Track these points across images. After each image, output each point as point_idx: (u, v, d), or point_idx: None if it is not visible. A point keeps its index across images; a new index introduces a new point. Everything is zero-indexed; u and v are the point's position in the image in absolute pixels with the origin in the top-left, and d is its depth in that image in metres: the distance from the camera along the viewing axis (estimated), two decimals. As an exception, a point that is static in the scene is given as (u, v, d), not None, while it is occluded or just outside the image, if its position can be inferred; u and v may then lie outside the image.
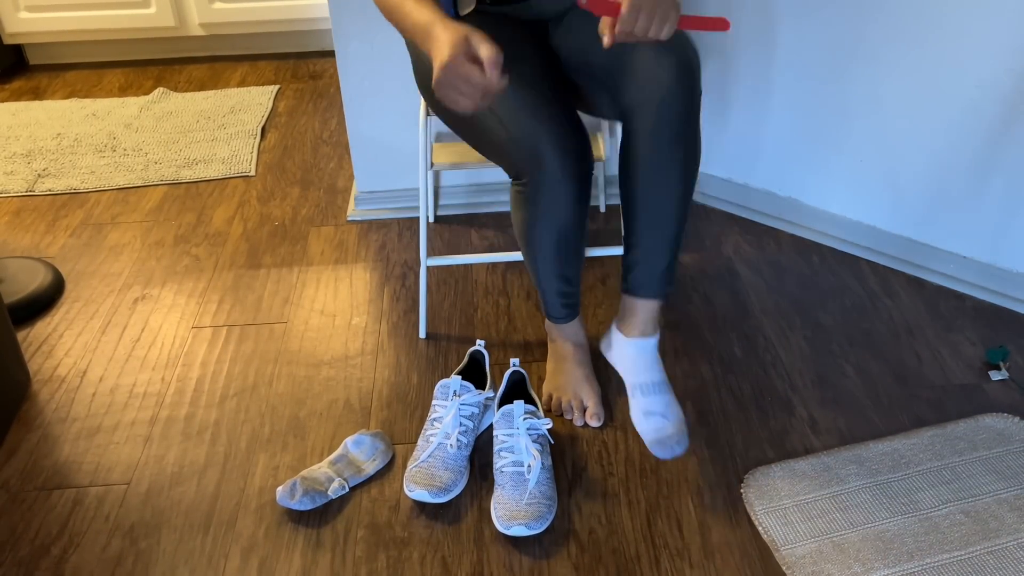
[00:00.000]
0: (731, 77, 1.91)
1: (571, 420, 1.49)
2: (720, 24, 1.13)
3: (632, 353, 1.38)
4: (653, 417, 1.35)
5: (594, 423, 1.47)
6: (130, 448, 1.47)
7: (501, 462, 1.34)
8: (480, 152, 1.35)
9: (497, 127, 1.26)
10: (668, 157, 1.26)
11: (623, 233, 1.37)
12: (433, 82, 1.10)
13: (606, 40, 1.10)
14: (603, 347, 1.45)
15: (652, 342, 1.38)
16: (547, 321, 1.56)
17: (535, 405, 1.44)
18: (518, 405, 1.36)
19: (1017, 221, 1.65)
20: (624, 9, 1.07)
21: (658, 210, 1.30)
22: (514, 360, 1.46)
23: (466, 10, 1.34)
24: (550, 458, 1.38)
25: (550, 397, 1.51)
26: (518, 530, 1.26)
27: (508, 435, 1.35)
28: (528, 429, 1.35)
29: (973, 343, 1.64)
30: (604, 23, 1.10)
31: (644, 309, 1.37)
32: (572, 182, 1.26)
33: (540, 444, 1.36)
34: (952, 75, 1.61)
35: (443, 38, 1.09)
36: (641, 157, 1.27)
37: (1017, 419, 1.45)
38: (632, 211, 1.32)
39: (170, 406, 1.55)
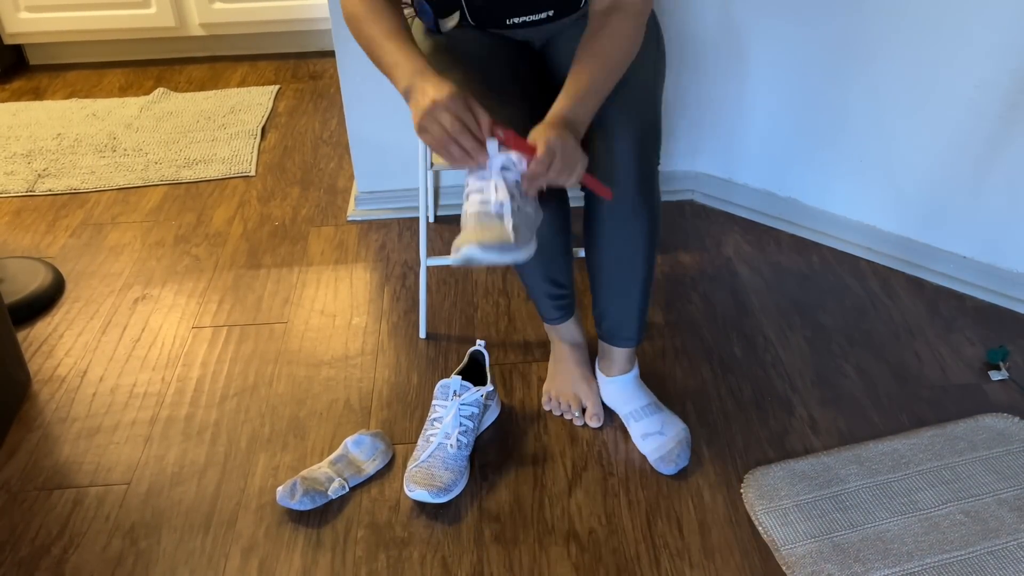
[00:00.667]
0: (731, 77, 1.91)
1: (571, 420, 1.49)
2: (605, 192, 1.18)
3: (616, 390, 1.47)
4: (651, 437, 1.41)
5: (594, 423, 1.47)
6: (130, 448, 1.47)
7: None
8: None
9: None
10: (628, 227, 1.29)
11: (590, 285, 1.42)
12: (422, 116, 1.05)
13: (524, 183, 1.11)
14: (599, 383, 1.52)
15: (631, 376, 1.47)
16: (544, 323, 1.56)
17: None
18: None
19: (1017, 221, 1.65)
20: (539, 153, 1.07)
21: (622, 279, 1.36)
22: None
23: (448, 27, 1.33)
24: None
25: (550, 397, 1.51)
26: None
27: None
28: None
29: (973, 343, 1.64)
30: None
31: (620, 354, 1.45)
32: (544, 199, 1.26)
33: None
34: (952, 75, 1.61)
35: (439, 83, 1.07)
36: (601, 225, 1.30)
37: (1017, 419, 1.45)
38: (596, 277, 1.38)
39: (170, 406, 1.55)
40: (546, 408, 1.51)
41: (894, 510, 1.30)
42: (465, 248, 1.06)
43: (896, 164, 1.76)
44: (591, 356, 1.55)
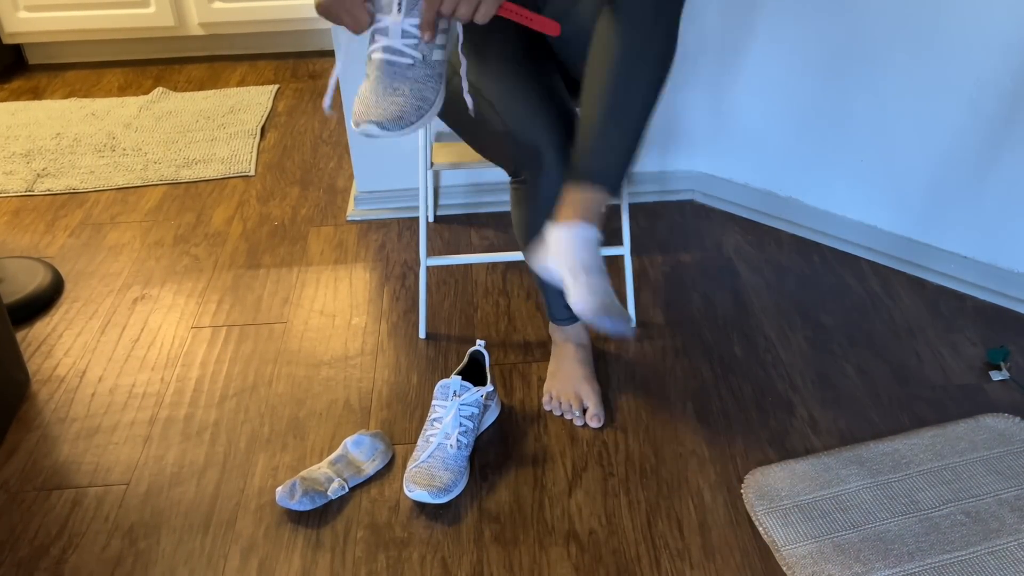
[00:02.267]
0: (732, 76, 1.91)
1: (571, 420, 1.48)
2: (550, 27, 1.08)
3: (568, 236, 1.18)
4: (597, 295, 1.16)
5: (594, 424, 1.47)
6: (129, 448, 1.47)
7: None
8: (478, 150, 1.35)
9: (496, 124, 1.25)
10: (642, 44, 1.14)
11: (579, 118, 1.22)
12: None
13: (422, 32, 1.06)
14: (531, 260, 1.26)
15: (592, 230, 1.19)
16: (550, 323, 1.56)
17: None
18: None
19: (1017, 221, 1.65)
20: None
21: (620, 107, 1.17)
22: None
23: None
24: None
25: (551, 397, 1.51)
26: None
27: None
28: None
29: (974, 343, 1.64)
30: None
31: (589, 199, 1.20)
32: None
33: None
34: (952, 75, 1.61)
35: None
36: (613, 42, 1.15)
37: (1018, 419, 1.45)
38: (591, 104, 1.19)
39: (169, 406, 1.55)
40: (546, 408, 1.51)
41: (895, 510, 1.30)
42: (364, 125, 1.06)
43: (897, 164, 1.76)
44: (595, 357, 1.55)
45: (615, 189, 1.21)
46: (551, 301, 1.46)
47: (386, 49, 1.08)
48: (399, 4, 1.07)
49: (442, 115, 1.36)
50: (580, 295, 1.16)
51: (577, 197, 1.19)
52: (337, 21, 1.10)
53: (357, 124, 1.08)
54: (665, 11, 1.16)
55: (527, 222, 1.32)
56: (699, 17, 1.87)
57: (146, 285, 1.88)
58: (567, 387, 1.50)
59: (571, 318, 1.49)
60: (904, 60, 1.65)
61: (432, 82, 1.10)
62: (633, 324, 1.13)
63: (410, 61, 1.09)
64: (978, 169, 1.66)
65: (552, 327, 1.55)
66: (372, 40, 1.11)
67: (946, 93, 1.63)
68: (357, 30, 1.09)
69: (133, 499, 1.37)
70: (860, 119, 1.77)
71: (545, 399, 1.52)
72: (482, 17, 1.06)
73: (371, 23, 1.10)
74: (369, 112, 1.06)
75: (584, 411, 1.49)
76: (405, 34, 1.08)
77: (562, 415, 1.49)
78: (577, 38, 1.31)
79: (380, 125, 1.06)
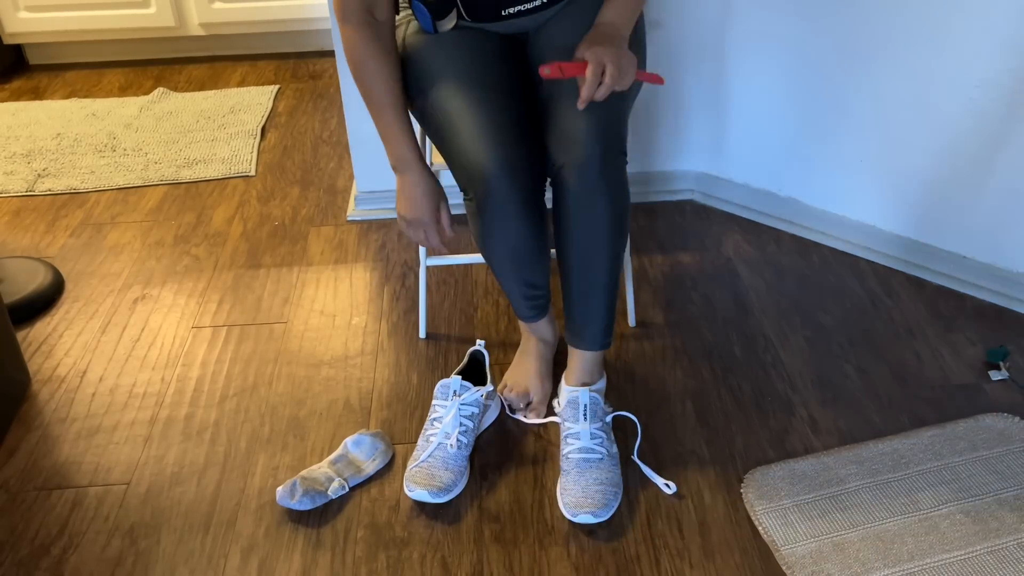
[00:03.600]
0: (732, 76, 1.91)
1: (515, 415, 1.50)
2: (656, 79, 1.24)
3: (571, 400, 1.40)
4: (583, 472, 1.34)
5: (531, 418, 1.48)
6: (130, 448, 1.47)
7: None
8: (442, 157, 1.36)
9: (452, 142, 1.27)
10: (591, 212, 1.27)
11: (561, 286, 1.41)
12: (400, 220, 1.36)
13: (580, 102, 1.18)
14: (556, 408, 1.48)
15: (592, 391, 1.41)
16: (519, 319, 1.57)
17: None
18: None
19: (1016, 221, 1.65)
20: (588, 71, 1.15)
21: (587, 274, 1.34)
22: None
23: (445, 28, 1.33)
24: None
25: (506, 386, 1.53)
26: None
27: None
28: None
29: (973, 343, 1.64)
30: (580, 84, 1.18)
31: (581, 358, 1.43)
32: (518, 203, 1.25)
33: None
34: (952, 75, 1.61)
35: (412, 192, 1.32)
36: (566, 220, 1.30)
37: (1017, 419, 1.45)
38: (563, 274, 1.37)
39: (170, 406, 1.55)
40: (502, 399, 1.52)
41: (894, 510, 1.30)
42: (582, 515, 1.29)
43: (896, 164, 1.76)
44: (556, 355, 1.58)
45: (601, 343, 1.41)
46: (514, 301, 1.47)
47: (581, 449, 1.35)
48: (584, 414, 1.37)
49: (412, 113, 1.37)
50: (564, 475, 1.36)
51: (573, 363, 1.43)
52: (414, 239, 1.37)
53: (575, 515, 1.29)
54: (610, 185, 1.27)
55: (480, 238, 1.33)
56: (699, 17, 1.87)
57: (147, 285, 1.88)
58: (521, 380, 1.51)
59: (535, 316, 1.49)
60: (904, 60, 1.65)
61: (617, 469, 1.36)
62: (606, 515, 1.32)
63: (600, 455, 1.35)
64: (978, 169, 1.66)
65: (520, 322, 1.56)
66: (565, 443, 1.37)
67: (946, 93, 1.63)
68: (430, 251, 1.29)
69: (133, 499, 1.37)
70: (860, 119, 1.77)
71: (500, 386, 1.53)
72: (627, 85, 1.19)
73: (444, 243, 1.40)
74: (583, 504, 1.30)
75: (527, 405, 1.50)
76: (594, 436, 1.36)
77: (512, 409, 1.51)
78: (545, 55, 1.34)
79: (594, 515, 1.29)
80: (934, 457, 1.39)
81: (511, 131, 1.25)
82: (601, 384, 1.45)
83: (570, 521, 1.31)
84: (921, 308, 1.74)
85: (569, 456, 1.35)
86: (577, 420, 1.37)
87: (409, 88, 1.32)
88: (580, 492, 1.30)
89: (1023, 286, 1.69)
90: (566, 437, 1.37)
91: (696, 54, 1.92)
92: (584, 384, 1.42)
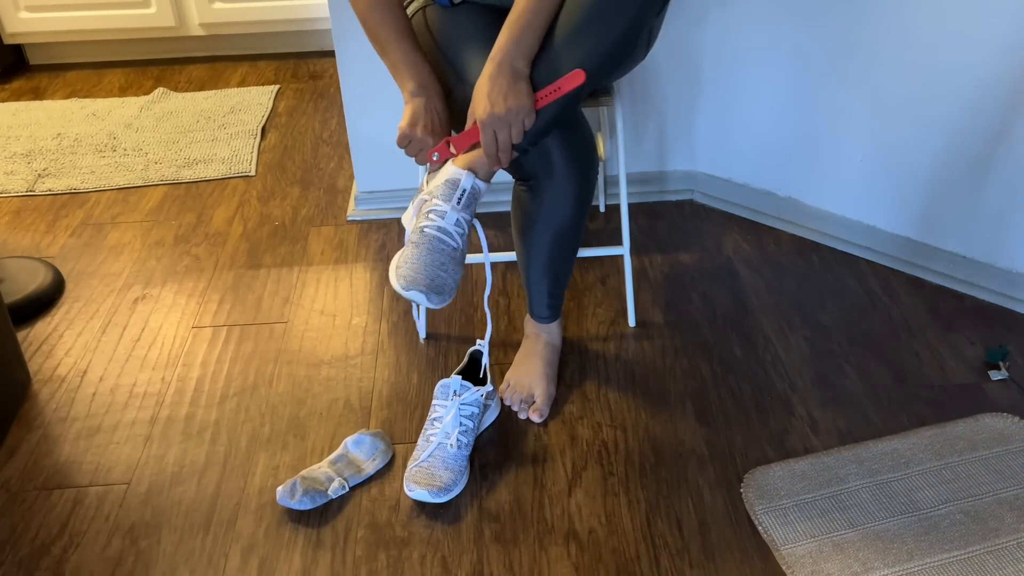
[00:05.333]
0: (731, 77, 1.91)
1: (517, 412, 1.50)
2: (575, 79, 1.17)
3: (445, 175, 1.28)
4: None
5: (535, 418, 1.48)
6: (130, 448, 1.47)
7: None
8: None
9: None
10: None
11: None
12: (399, 136, 1.29)
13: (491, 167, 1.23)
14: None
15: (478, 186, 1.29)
16: (527, 316, 1.57)
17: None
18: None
19: (1016, 220, 1.65)
20: (482, 142, 1.18)
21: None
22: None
23: None
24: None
25: (508, 385, 1.53)
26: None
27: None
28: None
29: (973, 343, 1.64)
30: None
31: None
32: (577, 183, 1.27)
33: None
34: (952, 75, 1.61)
35: (415, 106, 1.27)
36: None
37: (1017, 419, 1.45)
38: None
39: (170, 406, 1.55)
40: (502, 396, 1.51)
41: (894, 510, 1.30)
42: (413, 291, 1.20)
43: (896, 164, 1.76)
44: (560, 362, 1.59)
45: (548, 315, 1.50)
46: (535, 297, 1.48)
47: (440, 229, 1.23)
48: (459, 198, 1.23)
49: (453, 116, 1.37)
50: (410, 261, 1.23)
51: (468, 157, 1.30)
52: (408, 152, 1.31)
53: (406, 288, 1.19)
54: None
55: (528, 222, 1.34)
56: (698, 18, 1.87)
57: (147, 285, 1.88)
58: (524, 380, 1.51)
59: (551, 317, 1.50)
60: (902, 60, 1.66)
61: (461, 269, 1.26)
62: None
63: (456, 246, 1.24)
64: (976, 169, 1.66)
65: (528, 319, 1.56)
66: (423, 215, 1.25)
67: (945, 93, 1.63)
68: (419, 162, 1.32)
69: (134, 499, 1.38)
70: (860, 119, 1.77)
71: (503, 386, 1.53)
72: (526, 130, 1.19)
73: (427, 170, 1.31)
74: (419, 281, 1.19)
75: (530, 405, 1.50)
76: (458, 223, 1.24)
77: (512, 406, 1.51)
78: None
79: (427, 296, 1.19)
80: (934, 457, 1.39)
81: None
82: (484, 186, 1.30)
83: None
84: (921, 308, 1.74)
85: (425, 230, 1.23)
86: (449, 199, 1.23)
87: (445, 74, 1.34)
88: (422, 270, 1.20)
89: (1022, 286, 1.70)
90: (429, 212, 1.24)
91: (695, 55, 1.92)
92: (468, 169, 1.27)
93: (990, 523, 1.28)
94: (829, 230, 1.92)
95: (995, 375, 1.55)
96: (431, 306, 1.21)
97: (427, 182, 1.30)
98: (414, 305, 1.42)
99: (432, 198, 1.25)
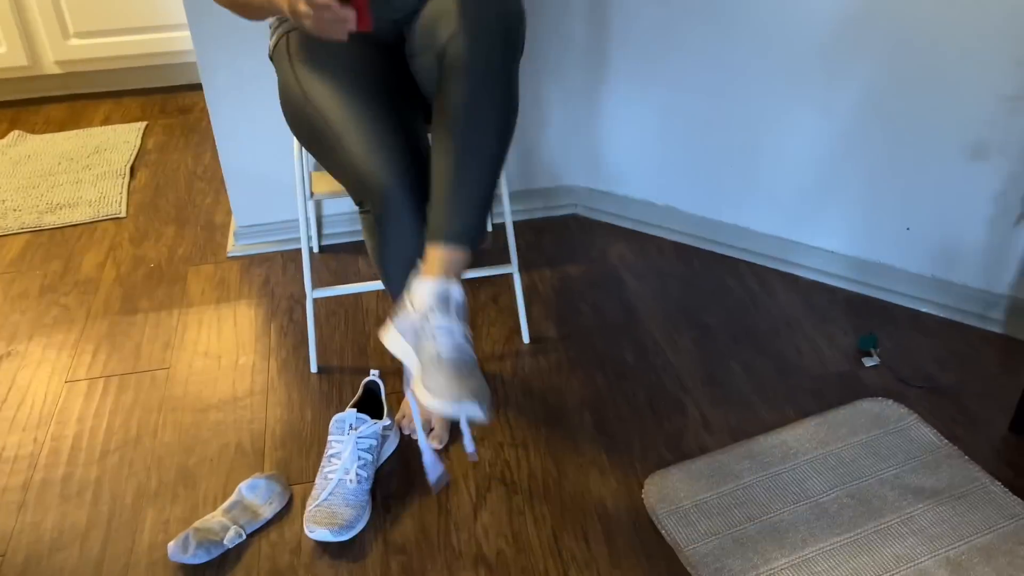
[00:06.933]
0: (604, 91, 1.96)
1: (412, 436, 1.49)
2: (364, 22, 1.13)
3: (427, 291, 1.19)
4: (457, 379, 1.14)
5: (435, 445, 1.47)
6: (3, 517, 1.37)
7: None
8: (326, 168, 1.32)
9: (344, 154, 1.24)
10: (486, 100, 1.20)
11: (432, 186, 1.24)
12: (300, 17, 1.12)
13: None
14: (384, 338, 1.25)
15: (455, 288, 1.20)
16: None
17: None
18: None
19: (876, 214, 1.76)
20: None
21: (474, 156, 1.22)
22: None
23: None
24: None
25: (403, 415, 1.51)
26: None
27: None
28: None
29: (846, 333, 1.73)
30: None
31: (448, 258, 1.22)
32: (416, 215, 1.24)
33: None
34: (806, 80, 1.70)
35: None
36: (454, 100, 1.21)
37: (891, 401, 1.54)
38: (443, 155, 1.22)
39: (45, 468, 1.45)
40: (400, 428, 1.50)
41: (787, 500, 1.35)
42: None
43: (764, 168, 1.84)
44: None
45: (473, 245, 1.24)
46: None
47: (457, 348, 1.15)
48: (458, 312, 1.17)
49: (291, 127, 1.34)
50: (436, 383, 1.13)
51: (436, 256, 1.21)
52: (326, 37, 1.16)
53: (458, 403, 1.10)
54: (502, 65, 1.21)
55: (377, 252, 1.30)
56: (568, 33, 1.91)
57: (11, 341, 1.76)
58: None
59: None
60: (765, 71, 1.74)
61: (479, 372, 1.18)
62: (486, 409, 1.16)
63: (473, 356, 1.18)
64: (838, 168, 1.76)
65: None
66: (428, 336, 1.16)
67: (801, 98, 1.72)
68: (338, 37, 1.16)
69: (10, 572, 1.28)
70: (729, 127, 1.84)
71: (399, 415, 1.51)
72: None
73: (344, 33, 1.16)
74: (463, 396, 1.11)
75: (429, 431, 1.49)
76: (466, 338, 1.17)
77: (409, 433, 1.49)
78: (431, 75, 1.31)
79: (481, 407, 1.11)
80: (819, 445, 1.45)
81: (410, 141, 1.24)
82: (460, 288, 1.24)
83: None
84: (796, 303, 1.82)
85: (442, 355, 1.14)
86: (448, 314, 1.16)
87: (291, 96, 1.29)
88: (456, 385, 1.12)
89: (884, 276, 1.80)
90: (437, 332, 1.16)
91: (566, 71, 1.96)
92: (447, 277, 1.20)
93: (874, 503, 1.34)
94: (706, 234, 1.99)
95: (868, 362, 1.64)
96: (483, 417, 1.12)
97: (410, 302, 1.21)
98: (462, 421, 1.28)
99: (430, 317, 1.17)
